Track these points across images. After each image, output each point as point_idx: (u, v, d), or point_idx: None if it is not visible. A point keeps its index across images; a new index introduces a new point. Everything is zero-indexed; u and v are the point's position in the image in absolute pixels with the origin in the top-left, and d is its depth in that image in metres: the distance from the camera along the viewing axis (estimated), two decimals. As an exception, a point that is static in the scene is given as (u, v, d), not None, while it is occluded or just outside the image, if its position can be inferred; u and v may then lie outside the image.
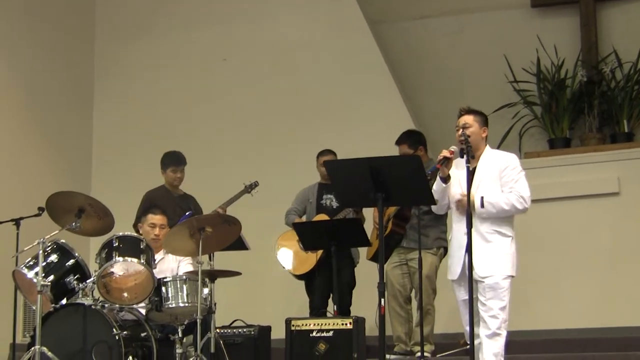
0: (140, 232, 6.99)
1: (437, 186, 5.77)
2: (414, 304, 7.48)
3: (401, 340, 7.33)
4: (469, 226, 5.42)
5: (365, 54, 9.62)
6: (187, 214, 7.36)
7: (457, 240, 5.75)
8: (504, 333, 5.60)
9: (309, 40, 9.85)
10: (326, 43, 9.80)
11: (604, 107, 9.25)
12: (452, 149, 5.70)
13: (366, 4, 9.85)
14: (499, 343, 5.57)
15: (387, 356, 6.87)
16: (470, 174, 5.55)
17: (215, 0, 10.25)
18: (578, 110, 9.30)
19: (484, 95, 9.38)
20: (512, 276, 5.71)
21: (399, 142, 7.46)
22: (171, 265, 6.83)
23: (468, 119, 5.86)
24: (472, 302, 5.29)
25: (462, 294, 5.72)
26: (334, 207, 7.75)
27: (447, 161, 5.67)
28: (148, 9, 10.53)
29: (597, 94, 9.19)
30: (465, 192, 5.56)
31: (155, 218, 6.97)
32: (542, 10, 9.86)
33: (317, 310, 7.56)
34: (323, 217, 7.71)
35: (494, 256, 5.62)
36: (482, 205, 5.63)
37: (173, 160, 7.93)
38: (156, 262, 6.61)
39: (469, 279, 5.40)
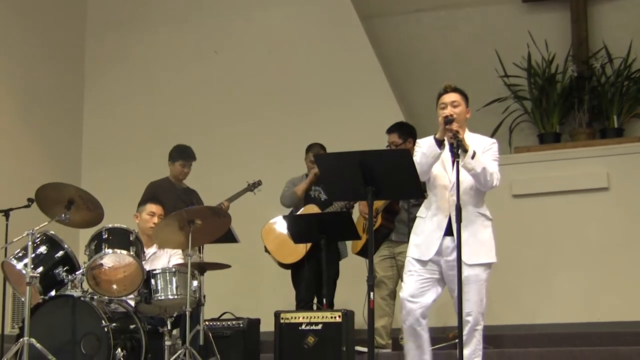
0: (137, 221, 7.00)
1: (428, 149, 5.38)
2: (399, 300, 7.45)
3: (377, 333, 7.16)
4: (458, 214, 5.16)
5: (356, 48, 9.61)
6: (188, 207, 7.36)
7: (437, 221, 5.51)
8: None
9: (300, 34, 9.84)
10: (318, 37, 9.79)
11: (594, 102, 9.28)
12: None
13: (358, -2, 9.86)
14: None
15: (357, 348, 6.87)
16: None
17: (207, -7, 10.25)
18: (568, 106, 9.33)
19: (475, 89, 9.25)
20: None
21: (389, 130, 7.45)
22: (163, 261, 6.82)
23: (456, 97, 5.54)
24: (460, 294, 5.14)
25: (424, 274, 5.58)
26: (322, 199, 7.76)
27: (450, 122, 5.25)
28: (140, 2, 10.50)
29: (587, 89, 9.21)
30: (449, 176, 5.40)
31: (154, 207, 7.02)
32: (533, 6, 9.90)
33: (304, 303, 7.56)
34: (313, 207, 7.72)
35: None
36: (473, 157, 5.29)
37: (183, 155, 8.08)
38: (148, 256, 6.63)
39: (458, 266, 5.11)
